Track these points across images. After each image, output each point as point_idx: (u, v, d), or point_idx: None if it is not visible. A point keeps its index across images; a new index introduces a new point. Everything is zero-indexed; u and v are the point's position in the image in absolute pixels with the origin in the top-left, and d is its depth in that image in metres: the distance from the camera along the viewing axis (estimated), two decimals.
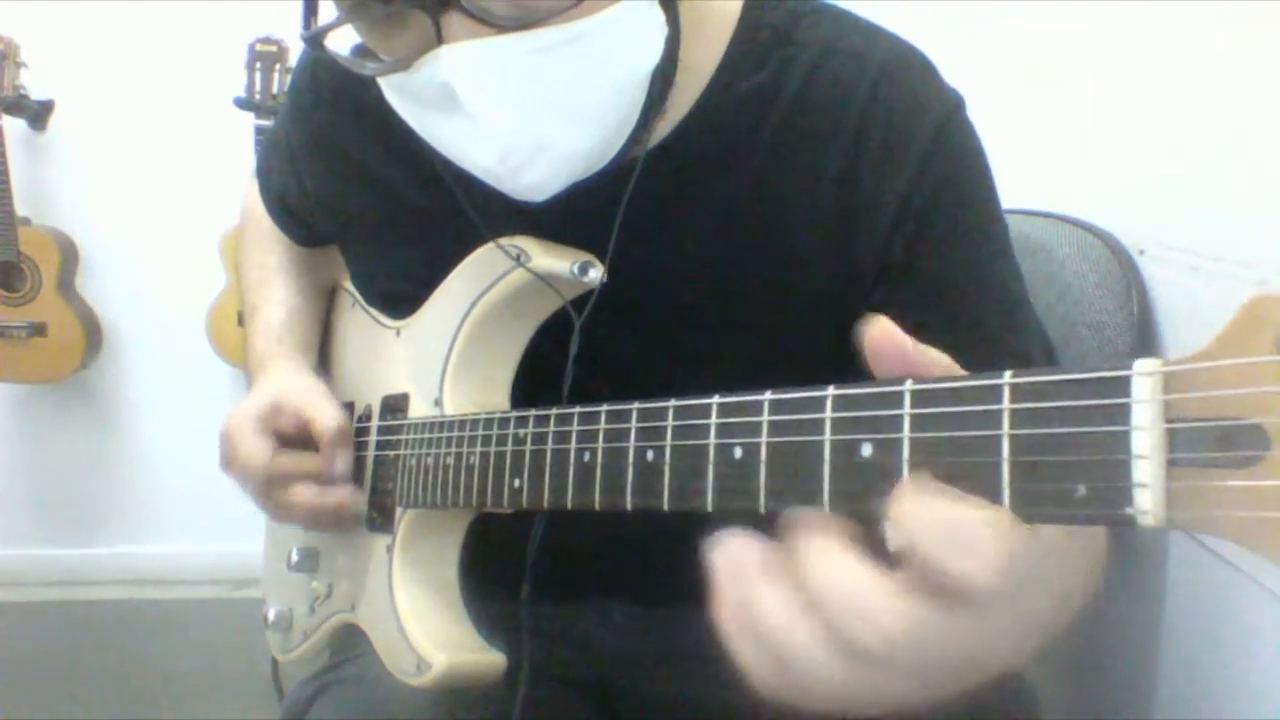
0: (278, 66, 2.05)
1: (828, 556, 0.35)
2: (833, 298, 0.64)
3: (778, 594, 0.36)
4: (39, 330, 2.13)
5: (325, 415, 0.75)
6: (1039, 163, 1.10)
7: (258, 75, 2.04)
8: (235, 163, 2.05)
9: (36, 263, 2.11)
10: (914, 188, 0.62)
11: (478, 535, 0.70)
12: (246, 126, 2.02)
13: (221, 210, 2.02)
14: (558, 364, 0.64)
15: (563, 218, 0.63)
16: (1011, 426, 0.33)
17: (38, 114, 2.14)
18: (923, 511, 0.33)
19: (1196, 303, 0.84)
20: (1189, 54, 0.87)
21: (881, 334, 0.38)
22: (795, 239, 0.64)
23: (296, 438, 0.76)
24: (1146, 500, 0.29)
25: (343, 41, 0.61)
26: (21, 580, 2.31)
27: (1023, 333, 0.65)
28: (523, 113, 0.54)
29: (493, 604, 0.69)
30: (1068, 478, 0.31)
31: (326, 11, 0.56)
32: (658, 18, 0.57)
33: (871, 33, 0.66)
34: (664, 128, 0.64)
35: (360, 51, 0.60)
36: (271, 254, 0.90)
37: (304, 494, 0.73)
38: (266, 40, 2.04)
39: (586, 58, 0.54)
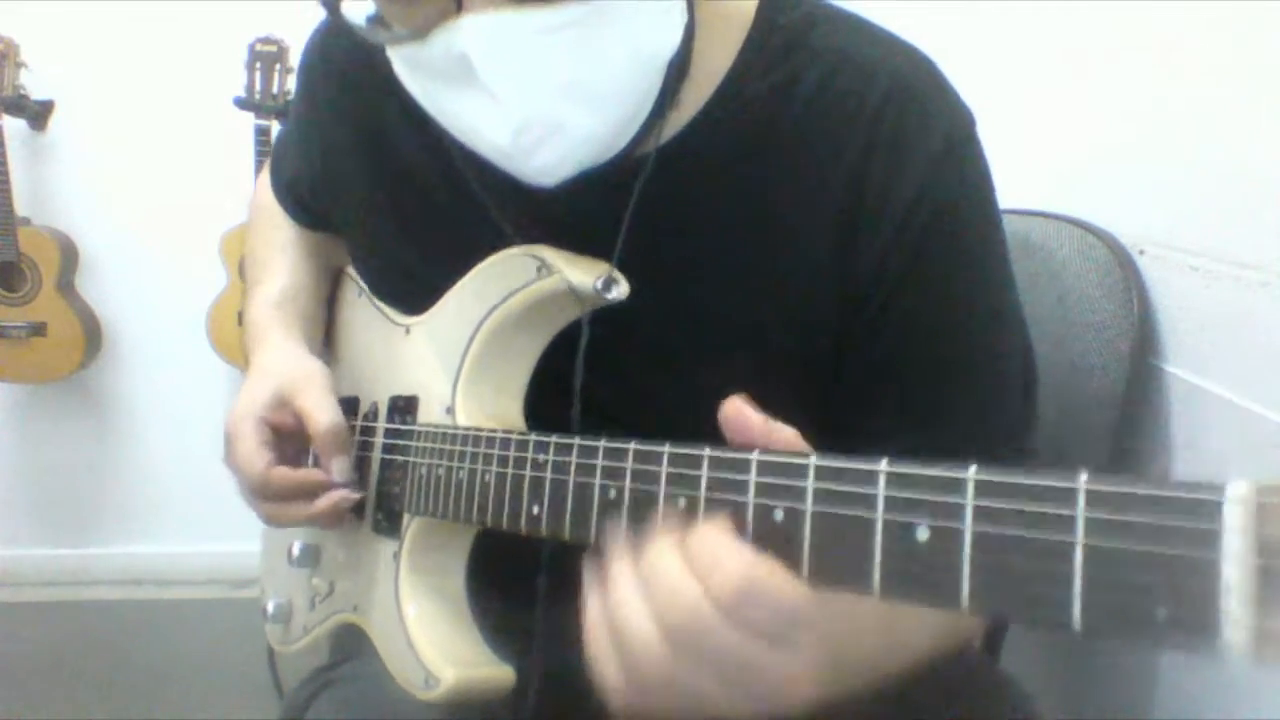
0: (278, 66, 2.05)
1: (662, 549, 0.43)
2: (831, 306, 0.64)
3: (624, 580, 0.44)
4: (39, 330, 2.13)
5: (320, 416, 0.73)
6: (1039, 163, 1.10)
7: (258, 75, 2.04)
8: (235, 163, 2.05)
9: (36, 263, 2.11)
10: (915, 207, 0.61)
11: (483, 542, 0.70)
12: (246, 126, 2.02)
13: (221, 210, 2.03)
14: (568, 371, 0.63)
15: (572, 210, 0.63)
16: (1086, 536, 0.31)
17: (38, 114, 2.14)
18: (697, 543, 0.42)
19: (1196, 303, 0.84)
20: (1190, 54, 0.87)
21: (734, 412, 0.45)
22: (799, 245, 0.63)
23: (295, 431, 0.75)
24: (1234, 636, 0.28)
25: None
26: (21, 580, 2.31)
27: (1003, 371, 0.65)
28: (539, 90, 0.54)
29: (498, 610, 0.69)
30: (1147, 599, 0.30)
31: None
32: (678, 4, 0.57)
33: (887, 43, 0.65)
34: (675, 123, 0.63)
35: (375, 22, 0.60)
36: (279, 230, 0.89)
37: (296, 512, 0.73)
38: (266, 40, 2.04)
39: (608, 37, 0.53)
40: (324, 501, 0.72)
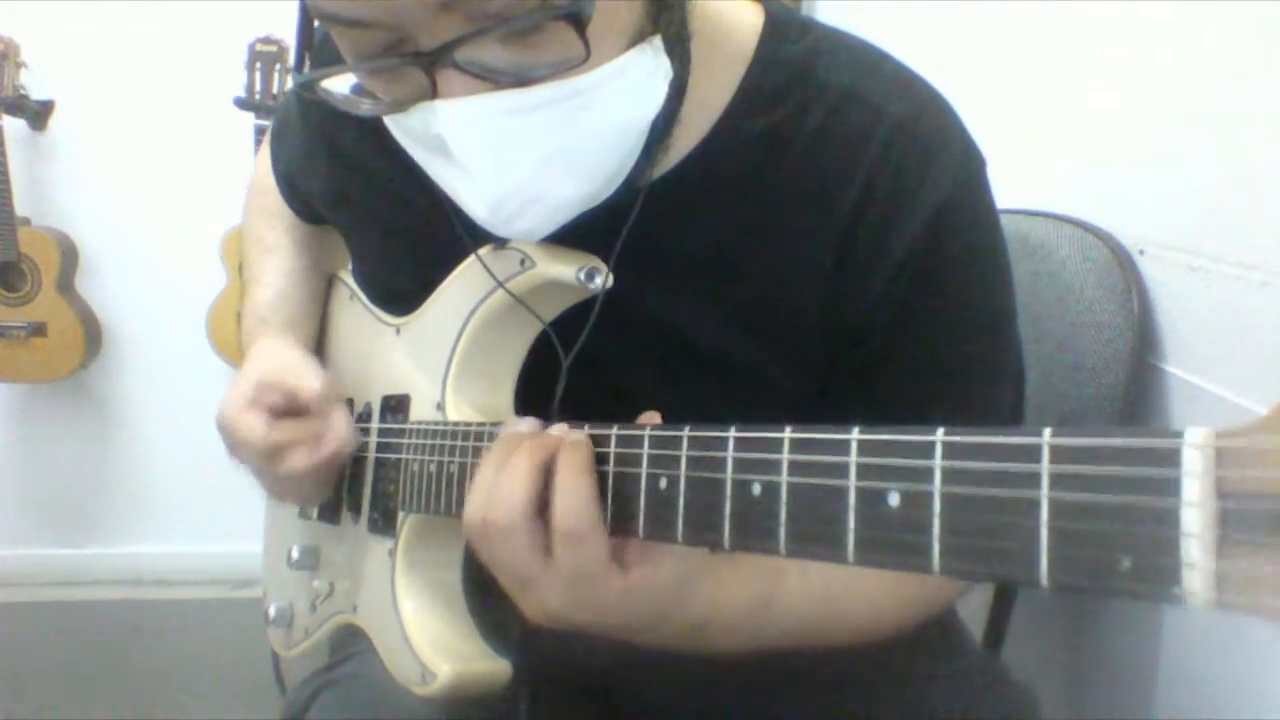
0: (278, 66, 2.05)
1: (528, 454, 0.51)
2: (818, 346, 0.64)
3: (525, 463, 0.51)
4: (39, 330, 2.13)
5: (308, 383, 0.75)
6: (1039, 163, 1.10)
7: (258, 75, 2.04)
8: (235, 163, 2.04)
9: (36, 263, 2.11)
10: (912, 254, 0.60)
11: None
12: (246, 126, 2.02)
13: (221, 210, 2.02)
14: (558, 370, 0.64)
15: (558, 243, 0.62)
16: (1051, 489, 0.31)
17: (38, 114, 2.14)
18: (565, 475, 0.50)
19: (1196, 303, 0.84)
20: (1190, 54, 0.87)
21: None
22: (787, 285, 0.63)
23: (288, 412, 0.75)
24: (1195, 581, 0.28)
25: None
26: (21, 580, 2.31)
27: (991, 414, 0.65)
28: (515, 168, 0.53)
29: (494, 605, 0.69)
30: (1111, 548, 0.30)
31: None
32: (662, 65, 0.55)
33: (894, 79, 0.63)
34: (670, 159, 0.62)
35: (358, 92, 0.60)
36: (271, 230, 0.89)
37: (301, 457, 0.73)
38: (266, 40, 2.05)
39: (586, 112, 0.52)
40: (327, 445, 0.73)
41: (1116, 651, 0.95)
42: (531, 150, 0.53)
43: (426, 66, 0.50)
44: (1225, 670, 0.80)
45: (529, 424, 0.55)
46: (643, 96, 0.55)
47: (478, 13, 0.48)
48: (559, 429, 0.53)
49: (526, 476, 0.51)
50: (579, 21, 0.48)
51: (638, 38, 0.53)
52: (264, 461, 0.74)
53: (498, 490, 0.51)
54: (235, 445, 0.76)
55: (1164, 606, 0.88)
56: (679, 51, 0.57)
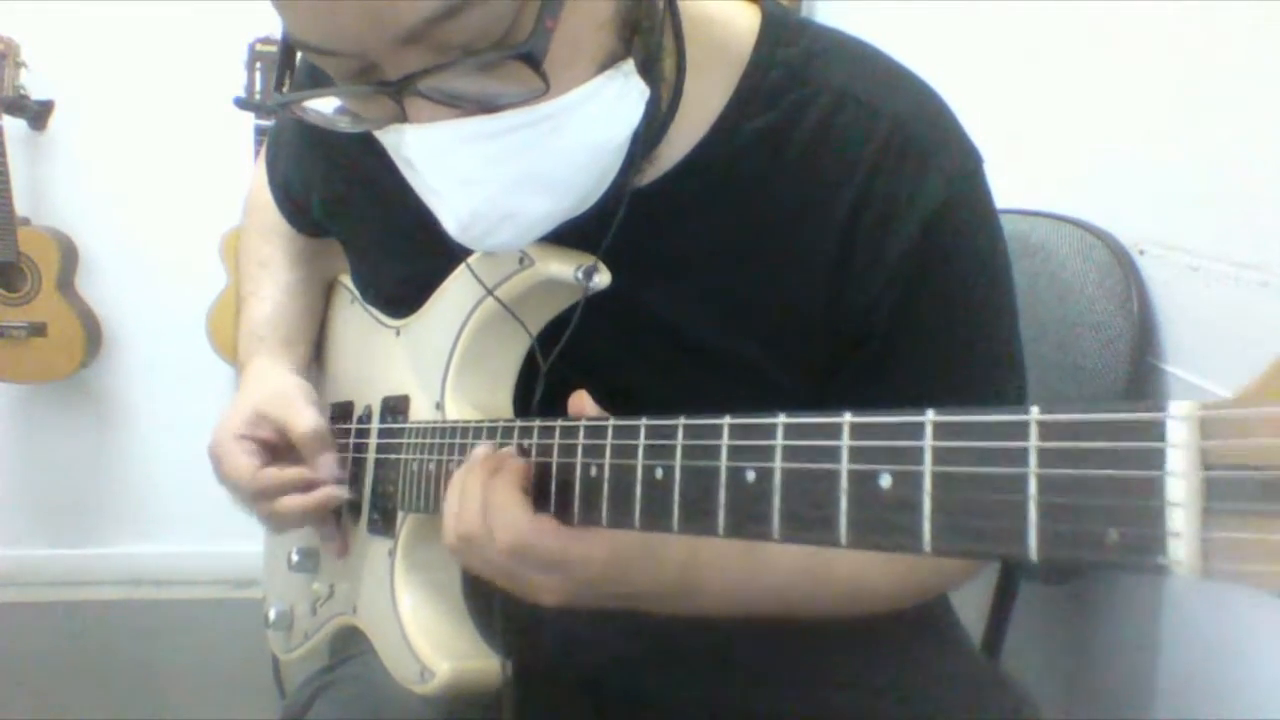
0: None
1: (474, 477, 0.56)
2: (821, 345, 0.64)
3: (475, 483, 0.56)
4: (39, 330, 2.13)
5: (301, 421, 0.75)
6: (1039, 163, 1.10)
7: (258, 75, 2.04)
8: (235, 163, 2.05)
9: (36, 263, 2.11)
10: (913, 254, 0.60)
11: None
12: (246, 126, 2.02)
13: (221, 210, 2.02)
14: (558, 370, 0.64)
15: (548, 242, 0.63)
16: (1039, 465, 0.32)
17: (38, 114, 2.14)
18: (496, 495, 0.55)
19: (1196, 303, 0.84)
20: (1190, 53, 0.87)
21: (575, 407, 0.55)
22: (787, 288, 0.63)
23: (280, 445, 0.76)
24: (1181, 550, 0.28)
25: None
26: (21, 580, 2.31)
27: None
28: (483, 190, 0.54)
29: (494, 604, 0.69)
30: (1098, 521, 0.30)
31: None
32: (635, 86, 0.56)
33: (891, 78, 0.63)
34: (668, 161, 0.62)
35: (340, 109, 0.60)
36: (266, 245, 0.90)
37: (290, 503, 0.74)
38: (266, 40, 2.04)
39: (553, 136, 0.53)
40: (317, 494, 0.74)
41: (1116, 652, 0.95)
42: (498, 174, 0.53)
43: (393, 94, 0.51)
44: (1225, 671, 0.80)
45: (484, 448, 0.59)
46: (613, 119, 0.55)
47: (440, 46, 0.49)
48: (507, 450, 0.58)
49: (478, 494, 0.56)
50: (533, 60, 0.49)
51: (609, 62, 0.54)
52: (251, 500, 0.76)
53: (462, 509, 0.56)
54: (224, 477, 0.77)
55: (1163, 605, 0.88)
56: (676, 59, 0.58)
